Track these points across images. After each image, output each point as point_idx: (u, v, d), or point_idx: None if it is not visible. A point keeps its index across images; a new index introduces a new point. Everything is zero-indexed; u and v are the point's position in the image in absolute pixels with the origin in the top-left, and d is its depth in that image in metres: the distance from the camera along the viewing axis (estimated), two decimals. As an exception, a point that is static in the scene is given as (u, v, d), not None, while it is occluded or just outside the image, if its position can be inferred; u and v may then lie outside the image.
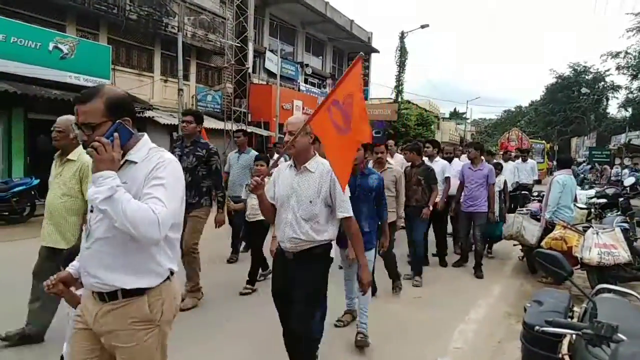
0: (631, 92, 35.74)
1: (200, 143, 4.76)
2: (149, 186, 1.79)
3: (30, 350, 3.57)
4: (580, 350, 1.95)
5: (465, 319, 4.70)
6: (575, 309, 2.57)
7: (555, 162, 15.97)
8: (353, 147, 2.79)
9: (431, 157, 6.90)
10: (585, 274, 5.35)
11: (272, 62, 20.09)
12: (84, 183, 3.42)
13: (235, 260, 6.57)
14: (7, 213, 9.06)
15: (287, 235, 2.82)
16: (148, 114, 13.35)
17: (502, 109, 71.98)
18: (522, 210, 7.00)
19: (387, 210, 4.31)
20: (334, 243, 3.07)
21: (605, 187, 11.50)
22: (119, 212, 1.66)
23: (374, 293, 4.91)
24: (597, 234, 5.23)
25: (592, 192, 9.86)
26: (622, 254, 4.96)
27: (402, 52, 26.66)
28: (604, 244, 5.08)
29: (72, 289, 2.07)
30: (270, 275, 4.13)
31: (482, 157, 6.68)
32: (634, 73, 33.46)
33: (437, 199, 6.35)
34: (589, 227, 5.56)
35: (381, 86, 57.29)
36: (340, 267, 4.18)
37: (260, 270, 5.50)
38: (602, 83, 43.35)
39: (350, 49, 27.93)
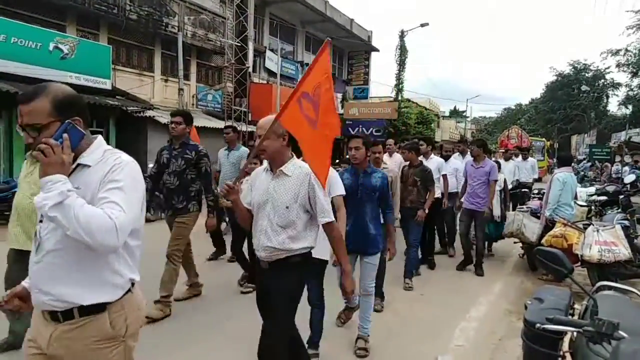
0: (631, 90, 35.72)
1: (189, 145, 4.59)
2: (105, 190, 1.64)
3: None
4: (581, 347, 1.96)
5: (466, 317, 4.72)
6: (576, 306, 2.58)
7: (555, 160, 15.98)
8: (324, 142, 2.56)
9: (425, 155, 6.80)
10: (586, 271, 5.36)
11: (272, 62, 20.09)
12: None
13: (235, 260, 6.56)
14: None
15: (262, 244, 2.63)
16: (148, 113, 13.37)
17: (502, 107, 71.86)
18: (522, 208, 7.01)
19: (392, 212, 4.07)
20: (326, 243, 2.93)
21: (606, 184, 11.50)
22: (71, 219, 1.51)
23: (382, 299, 4.84)
24: (598, 231, 5.24)
25: (592, 189, 9.87)
26: (623, 251, 4.97)
27: (402, 51, 26.60)
28: (604, 242, 5.09)
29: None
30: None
31: (485, 155, 6.61)
32: (634, 70, 33.45)
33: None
34: (589, 225, 5.57)
35: (381, 85, 57.30)
36: (335, 265, 4.04)
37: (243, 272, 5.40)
38: (602, 81, 43.30)
39: (350, 48, 27.92)
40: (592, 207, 8.11)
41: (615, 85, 41.78)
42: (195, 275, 5.01)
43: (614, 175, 17.20)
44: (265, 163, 2.84)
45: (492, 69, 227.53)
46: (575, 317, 2.36)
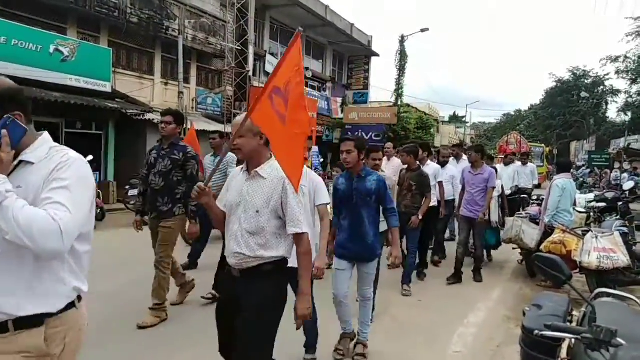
0: (630, 97, 35.87)
1: (178, 146, 4.41)
2: (49, 189, 1.51)
3: None
4: (580, 354, 1.96)
5: (464, 323, 4.70)
6: (574, 313, 2.57)
7: (554, 166, 15.97)
8: (296, 139, 2.36)
9: (422, 161, 6.53)
10: (585, 278, 5.35)
11: (273, 65, 20.12)
12: None
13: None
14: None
15: (231, 250, 2.43)
16: (148, 116, 13.39)
17: (501, 113, 72.20)
18: (521, 214, 7.00)
19: (395, 215, 3.80)
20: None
21: (605, 191, 11.51)
22: (10, 222, 1.40)
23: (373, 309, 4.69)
24: (596, 238, 5.23)
25: (591, 196, 9.87)
26: (621, 258, 4.97)
27: (402, 56, 26.67)
28: (603, 248, 5.08)
29: None
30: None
31: (483, 161, 6.49)
32: (634, 77, 33.59)
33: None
34: (588, 231, 5.57)
35: (381, 89, 57.41)
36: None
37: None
38: (602, 87, 43.47)
39: (350, 52, 28.01)
40: (591, 214, 8.11)
41: (615, 92, 41.95)
42: (181, 275, 4.85)
43: (612, 182, 17.23)
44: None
45: (492, 74, 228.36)
46: (574, 324, 2.36)
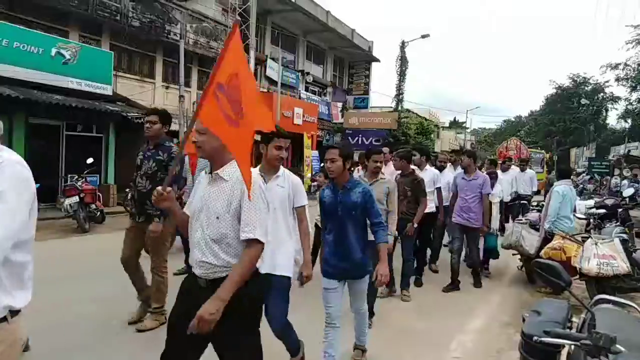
0: (630, 104, 35.91)
1: (163, 146, 4.26)
2: None
3: None
4: (579, 361, 1.95)
5: (463, 329, 4.69)
6: (574, 319, 2.57)
7: (554, 173, 15.94)
8: (248, 140, 2.20)
9: (420, 166, 6.46)
10: (584, 284, 5.34)
11: (274, 70, 20.20)
12: None
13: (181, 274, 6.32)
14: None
15: (196, 259, 2.27)
16: (149, 119, 13.40)
17: (501, 119, 72.30)
18: (521, 220, 7.00)
19: (383, 230, 3.48)
20: (289, 258, 2.83)
21: (605, 197, 11.50)
22: None
23: (371, 316, 4.54)
24: (596, 244, 5.23)
25: (591, 202, 9.87)
26: (621, 265, 4.96)
27: (403, 62, 26.80)
28: (603, 255, 5.08)
29: None
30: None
31: (476, 166, 6.31)
32: (633, 85, 33.65)
33: (426, 210, 5.94)
34: (587, 238, 5.56)
35: (382, 95, 57.56)
36: (299, 279, 3.37)
37: None
38: (602, 94, 43.54)
39: (351, 57, 28.11)
40: (591, 220, 8.11)
41: (615, 99, 42.01)
42: (163, 298, 4.34)
43: (612, 189, 17.22)
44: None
45: (493, 81, 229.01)
46: (573, 331, 2.35)
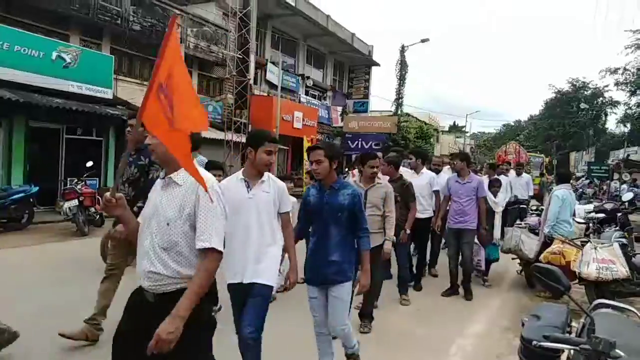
0: (630, 108, 36.01)
1: (145, 151, 3.97)
2: None
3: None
4: (578, 365, 1.95)
5: (463, 333, 4.68)
6: (573, 324, 2.57)
7: (554, 177, 15.94)
8: (186, 142, 2.00)
9: (416, 169, 6.36)
10: (584, 288, 5.34)
11: (274, 74, 20.24)
12: None
13: None
14: (5, 220, 9.06)
15: (144, 269, 2.11)
16: (149, 123, 13.41)
17: (501, 123, 72.38)
18: (520, 224, 6.99)
19: (368, 236, 3.36)
20: (274, 266, 2.76)
21: (604, 201, 11.50)
22: None
23: (370, 320, 4.60)
24: (596, 249, 5.22)
25: (590, 206, 9.88)
26: (621, 270, 4.96)
27: (403, 66, 26.89)
28: (602, 259, 5.07)
29: None
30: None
31: (469, 169, 6.15)
32: (633, 89, 33.73)
33: (422, 215, 6.03)
34: (587, 242, 5.56)
35: (381, 99, 57.62)
36: (279, 291, 3.29)
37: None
38: (601, 99, 43.65)
39: (351, 61, 28.16)
40: (590, 225, 8.11)
41: (614, 104, 42.12)
42: (102, 313, 3.97)
43: (613, 193, 17.24)
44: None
45: (492, 85, 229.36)
46: (573, 335, 2.35)
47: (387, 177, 5.29)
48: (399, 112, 27.36)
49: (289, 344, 3.90)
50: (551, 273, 2.26)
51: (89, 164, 9.95)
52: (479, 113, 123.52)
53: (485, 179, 7.02)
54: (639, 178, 21.40)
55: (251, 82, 18.83)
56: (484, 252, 6.40)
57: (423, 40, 25.64)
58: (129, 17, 13.68)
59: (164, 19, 14.74)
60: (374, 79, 35.71)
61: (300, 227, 3.48)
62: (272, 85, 20.22)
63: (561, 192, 6.06)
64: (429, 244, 6.71)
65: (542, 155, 30.70)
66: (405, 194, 5.24)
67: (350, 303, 3.58)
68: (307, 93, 24.10)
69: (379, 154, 6.20)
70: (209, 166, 4.60)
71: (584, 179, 25.34)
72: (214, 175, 3.96)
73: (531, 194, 10.22)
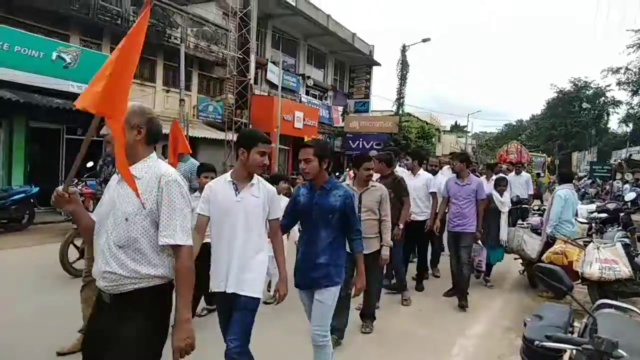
0: (632, 108, 35.99)
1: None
2: None
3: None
4: (581, 366, 1.93)
5: (465, 333, 4.66)
6: (575, 324, 2.55)
7: (556, 176, 15.89)
8: (119, 131, 1.96)
9: (412, 170, 6.30)
10: (586, 289, 5.31)
11: (274, 74, 20.23)
12: None
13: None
14: (5, 221, 9.06)
15: (100, 269, 2.01)
16: (149, 123, 13.42)
17: (503, 123, 72.37)
18: (522, 224, 6.96)
19: (360, 238, 3.29)
20: (261, 272, 2.66)
21: (606, 201, 11.45)
22: None
23: (372, 320, 4.55)
24: (598, 248, 5.20)
25: (592, 206, 9.83)
26: (623, 270, 4.94)
27: (404, 65, 26.88)
28: (604, 259, 5.05)
29: None
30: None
31: (469, 171, 6.02)
32: (635, 89, 33.70)
33: (420, 217, 6.00)
34: (589, 242, 5.54)
35: (382, 99, 57.55)
36: (269, 302, 3.26)
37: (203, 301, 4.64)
38: (603, 98, 43.62)
39: (351, 61, 28.14)
40: (593, 225, 8.07)
41: (616, 103, 42.10)
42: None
43: (616, 193, 17.20)
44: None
45: (494, 84, 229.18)
46: (575, 335, 2.33)
47: (378, 175, 5.18)
48: (400, 112, 27.35)
49: (281, 350, 3.88)
50: (553, 273, 2.24)
51: (89, 164, 9.94)
52: (481, 113, 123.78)
53: (483, 180, 6.96)
54: (641, 178, 21.32)
55: (252, 82, 18.82)
56: (485, 252, 6.36)
57: (424, 40, 25.62)
58: (129, 17, 13.67)
59: (164, 18, 14.75)
60: (375, 79, 35.78)
61: (285, 222, 3.31)
62: (273, 85, 20.21)
63: (564, 192, 6.03)
64: (428, 244, 6.64)
65: (544, 154, 30.66)
66: (397, 189, 5.09)
67: (348, 305, 3.56)
68: (307, 93, 24.09)
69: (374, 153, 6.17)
70: (201, 169, 4.45)
71: (586, 178, 25.30)
72: (207, 177, 3.83)
73: (531, 192, 10.14)
